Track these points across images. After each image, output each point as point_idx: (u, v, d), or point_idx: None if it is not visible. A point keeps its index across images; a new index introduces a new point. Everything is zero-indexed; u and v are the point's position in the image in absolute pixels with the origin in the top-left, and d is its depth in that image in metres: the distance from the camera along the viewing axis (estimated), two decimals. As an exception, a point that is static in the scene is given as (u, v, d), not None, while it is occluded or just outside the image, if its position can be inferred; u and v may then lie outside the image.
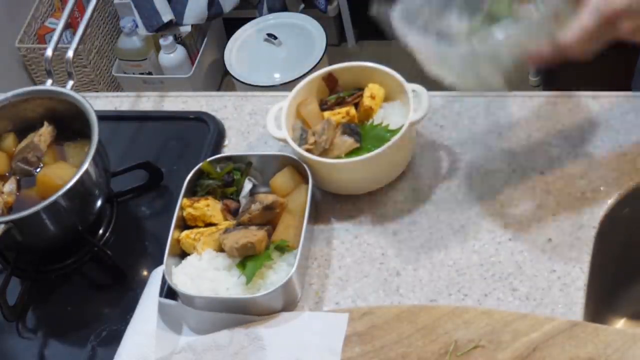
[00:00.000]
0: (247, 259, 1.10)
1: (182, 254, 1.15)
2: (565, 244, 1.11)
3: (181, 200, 1.17)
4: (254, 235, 1.10)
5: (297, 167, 1.18)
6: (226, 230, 1.13)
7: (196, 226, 1.17)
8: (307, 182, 1.16)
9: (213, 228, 1.15)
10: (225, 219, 1.17)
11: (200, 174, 1.20)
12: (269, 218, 1.14)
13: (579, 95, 1.27)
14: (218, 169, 1.20)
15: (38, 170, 1.25)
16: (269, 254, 1.10)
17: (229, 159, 1.21)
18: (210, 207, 1.16)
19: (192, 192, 1.19)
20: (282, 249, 1.11)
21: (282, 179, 1.17)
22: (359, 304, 1.11)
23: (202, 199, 1.17)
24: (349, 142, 1.18)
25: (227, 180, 1.19)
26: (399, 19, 1.05)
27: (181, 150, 1.35)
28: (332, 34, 2.87)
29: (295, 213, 1.14)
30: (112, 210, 1.29)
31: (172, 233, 1.14)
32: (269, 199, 1.13)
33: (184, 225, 1.17)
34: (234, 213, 1.17)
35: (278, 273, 1.10)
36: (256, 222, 1.13)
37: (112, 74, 2.86)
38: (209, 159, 1.21)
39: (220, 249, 1.13)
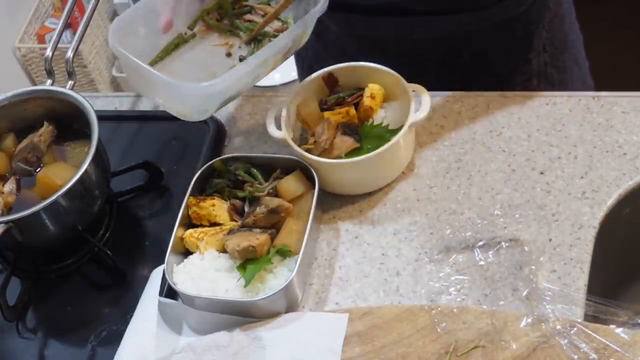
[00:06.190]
0: (248, 262, 1.10)
1: (185, 253, 1.15)
2: (565, 244, 1.11)
3: (187, 198, 1.17)
4: (256, 238, 1.10)
5: (305, 172, 1.18)
6: (230, 232, 1.13)
7: (201, 225, 1.16)
8: (314, 188, 1.16)
9: (217, 228, 1.15)
10: (232, 219, 1.17)
11: (209, 173, 1.20)
12: (274, 221, 1.14)
13: (579, 95, 1.27)
14: (232, 168, 1.20)
15: (38, 170, 1.25)
16: (270, 258, 1.10)
17: (237, 159, 1.21)
18: (216, 207, 1.16)
19: (198, 191, 1.19)
20: (284, 253, 1.11)
21: (289, 183, 1.17)
22: (359, 304, 1.11)
23: (209, 198, 1.17)
24: (349, 142, 1.18)
25: (233, 180, 1.19)
26: (115, 36, 1.18)
27: (181, 150, 1.35)
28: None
29: (300, 218, 1.14)
30: (112, 210, 1.29)
31: (176, 230, 1.14)
32: (274, 202, 1.13)
33: (189, 223, 1.17)
34: (241, 213, 1.17)
35: (278, 278, 1.10)
36: (260, 224, 1.13)
37: (112, 74, 2.86)
38: (220, 158, 1.21)
39: (223, 250, 1.13)
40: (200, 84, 1.13)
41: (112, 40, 1.18)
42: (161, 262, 1.12)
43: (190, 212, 1.16)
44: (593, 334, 1.01)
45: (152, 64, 1.22)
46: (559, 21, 1.37)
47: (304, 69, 1.54)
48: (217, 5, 1.27)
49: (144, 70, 1.16)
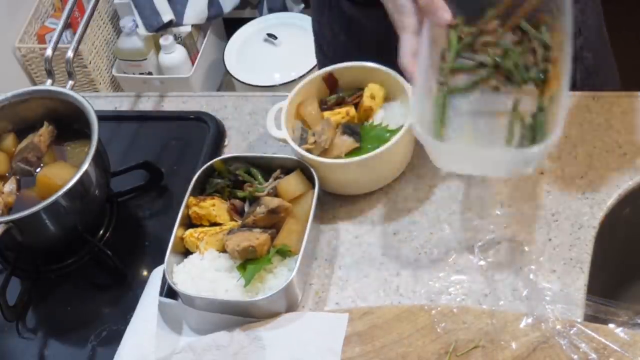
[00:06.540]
0: (248, 262, 1.10)
1: (185, 253, 1.15)
2: (565, 244, 1.11)
3: (187, 198, 1.17)
4: (256, 238, 1.10)
5: (305, 172, 1.18)
6: (230, 231, 1.13)
7: (201, 225, 1.16)
8: (314, 188, 1.16)
9: (217, 228, 1.15)
10: (232, 219, 1.17)
11: (209, 173, 1.20)
12: (274, 221, 1.13)
13: (579, 95, 1.27)
14: (232, 168, 1.20)
15: (38, 170, 1.25)
16: (270, 258, 1.10)
17: (237, 159, 1.21)
18: (215, 207, 1.16)
19: (198, 190, 1.19)
20: (284, 253, 1.11)
21: (289, 183, 1.17)
22: (359, 304, 1.11)
23: (209, 198, 1.17)
24: (349, 142, 1.18)
25: (233, 180, 1.19)
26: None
27: (181, 150, 1.35)
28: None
29: (299, 218, 1.14)
30: (112, 210, 1.29)
31: (176, 230, 1.14)
32: (274, 202, 1.13)
33: (189, 223, 1.17)
34: (241, 213, 1.17)
35: (278, 278, 1.10)
36: (260, 224, 1.13)
37: (112, 74, 2.86)
38: (220, 158, 1.21)
39: (223, 250, 1.13)
40: (523, 150, 0.98)
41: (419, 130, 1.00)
42: (161, 262, 1.12)
43: (190, 212, 1.17)
44: (593, 334, 1.01)
45: (438, 134, 1.03)
46: (592, 3, 1.36)
47: None
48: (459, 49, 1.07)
49: (453, 148, 1.03)
